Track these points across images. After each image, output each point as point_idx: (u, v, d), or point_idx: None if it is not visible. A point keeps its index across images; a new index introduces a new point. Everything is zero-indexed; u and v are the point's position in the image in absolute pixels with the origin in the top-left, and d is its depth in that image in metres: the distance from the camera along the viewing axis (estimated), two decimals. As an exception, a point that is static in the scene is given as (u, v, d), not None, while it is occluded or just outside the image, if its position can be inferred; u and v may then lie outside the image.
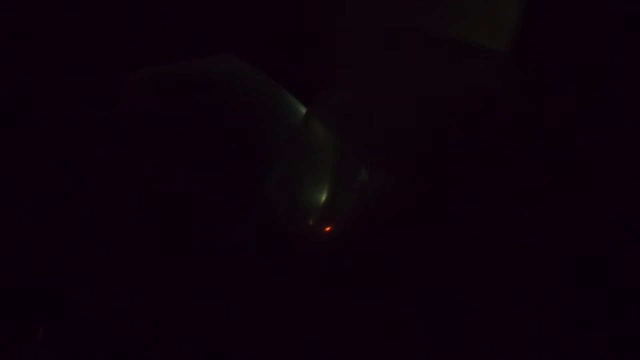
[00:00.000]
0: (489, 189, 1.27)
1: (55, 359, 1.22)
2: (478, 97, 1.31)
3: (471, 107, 1.29)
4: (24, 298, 1.26)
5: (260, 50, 1.43)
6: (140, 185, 1.20)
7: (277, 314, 1.28)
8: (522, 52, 1.38)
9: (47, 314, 1.25)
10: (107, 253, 1.27)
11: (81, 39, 1.42)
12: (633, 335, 1.19)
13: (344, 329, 1.28)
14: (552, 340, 1.24)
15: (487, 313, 1.32)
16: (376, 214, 1.23)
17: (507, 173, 1.30)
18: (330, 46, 1.46)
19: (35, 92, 1.38)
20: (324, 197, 1.26)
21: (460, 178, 1.28)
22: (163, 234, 1.20)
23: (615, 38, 1.35)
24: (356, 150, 1.25)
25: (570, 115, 1.31)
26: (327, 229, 1.26)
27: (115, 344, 1.23)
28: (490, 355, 1.25)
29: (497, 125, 1.29)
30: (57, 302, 1.26)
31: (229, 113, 1.24)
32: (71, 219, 1.29)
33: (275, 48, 1.46)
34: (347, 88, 1.33)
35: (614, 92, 1.30)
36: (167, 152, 1.21)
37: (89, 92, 1.36)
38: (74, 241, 1.28)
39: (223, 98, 1.25)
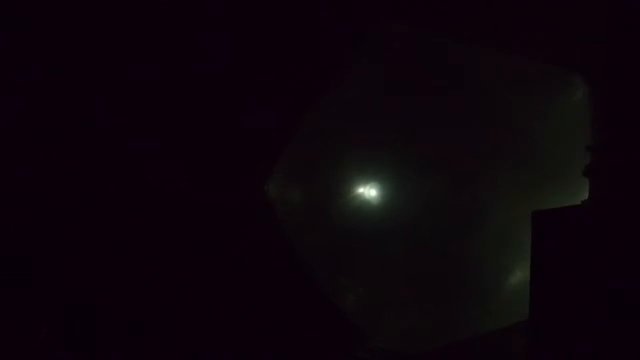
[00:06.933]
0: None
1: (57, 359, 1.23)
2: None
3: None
4: (26, 299, 1.27)
5: (261, 50, 1.44)
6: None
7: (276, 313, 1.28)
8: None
9: (49, 315, 1.27)
10: (107, 255, 1.28)
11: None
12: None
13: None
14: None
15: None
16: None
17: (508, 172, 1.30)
18: (330, 46, 1.47)
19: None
20: None
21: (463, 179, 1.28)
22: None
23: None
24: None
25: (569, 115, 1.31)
26: None
27: (116, 345, 1.23)
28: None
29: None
30: (59, 303, 1.27)
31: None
32: (71, 220, 1.30)
33: (275, 48, 1.47)
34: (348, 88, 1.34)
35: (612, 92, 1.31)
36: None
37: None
38: (75, 243, 1.29)
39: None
